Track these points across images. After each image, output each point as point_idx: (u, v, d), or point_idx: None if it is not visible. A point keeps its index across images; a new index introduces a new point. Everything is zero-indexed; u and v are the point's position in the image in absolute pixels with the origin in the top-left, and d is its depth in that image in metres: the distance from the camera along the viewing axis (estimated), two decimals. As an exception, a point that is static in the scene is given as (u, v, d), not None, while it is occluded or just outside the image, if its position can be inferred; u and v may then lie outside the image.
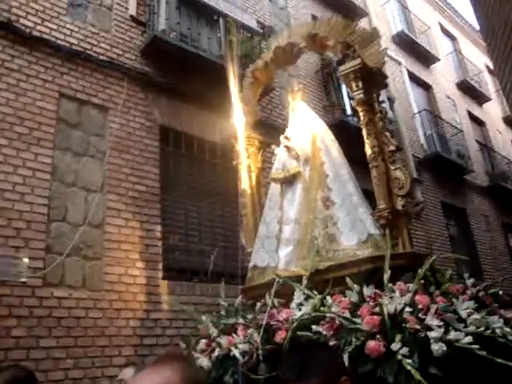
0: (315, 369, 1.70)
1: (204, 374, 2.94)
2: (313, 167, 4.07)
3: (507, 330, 2.78)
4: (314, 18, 10.28)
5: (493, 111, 16.93)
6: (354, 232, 3.61)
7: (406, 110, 11.96)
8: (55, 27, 5.79)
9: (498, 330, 2.74)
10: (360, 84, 3.87)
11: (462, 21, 17.65)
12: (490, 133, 16.11)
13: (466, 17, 18.33)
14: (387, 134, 3.82)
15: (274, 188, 4.21)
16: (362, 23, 11.66)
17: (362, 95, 3.85)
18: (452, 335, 2.55)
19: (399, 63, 12.60)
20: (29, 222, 4.79)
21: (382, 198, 3.59)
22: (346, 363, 2.37)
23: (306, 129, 4.31)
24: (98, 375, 4.67)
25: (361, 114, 3.89)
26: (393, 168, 3.71)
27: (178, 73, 6.42)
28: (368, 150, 3.77)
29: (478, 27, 17.06)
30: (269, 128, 6.86)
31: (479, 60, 17.66)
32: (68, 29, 5.91)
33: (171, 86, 6.47)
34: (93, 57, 5.98)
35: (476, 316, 2.77)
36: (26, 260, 4.63)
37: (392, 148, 3.76)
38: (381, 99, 10.13)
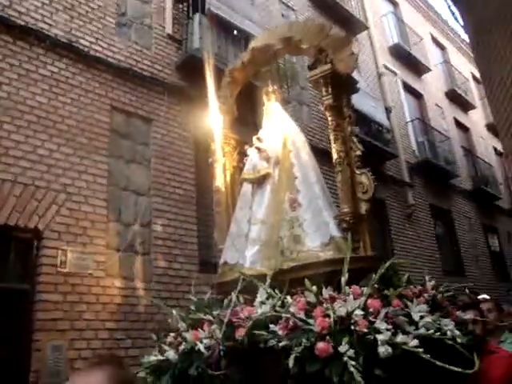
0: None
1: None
2: (282, 169, 4.08)
3: (456, 332, 2.88)
4: (321, 31, 11.07)
5: (477, 118, 18.01)
6: (317, 234, 3.64)
7: (400, 118, 12.88)
8: (106, 46, 6.49)
9: (448, 333, 2.84)
10: (329, 89, 3.84)
11: (451, 31, 18.62)
12: (474, 139, 17.21)
13: (455, 27, 19.37)
14: (354, 138, 3.83)
15: (246, 187, 4.20)
16: (363, 35, 12.55)
17: (330, 100, 3.83)
18: (399, 338, 2.62)
19: (395, 74, 13.50)
20: (92, 221, 5.53)
21: (345, 202, 3.63)
22: (291, 364, 2.55)
23: (278, 130, 4.33)
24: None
25: (329, 118, 3.87)
26: (358, 173, 3.72)
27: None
28: (334, 155, 3.79)
29: (465, 37, 18.11)
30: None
31: (466, 68, 18.69)
32: (116, 47, 6.62)
33: (204, 100, 7.18)
34: (137, 72, 6.72)
35: (427, 319, 2.84)
36: (91, 254, 5.38)
37: (358, 153, 3.77)
38: (379, 110, 10.90)
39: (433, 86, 15.59)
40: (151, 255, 5.97)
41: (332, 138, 3.82)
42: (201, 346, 3.10)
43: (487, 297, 7.22)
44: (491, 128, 18.39)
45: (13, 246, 5.03)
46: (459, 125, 16.54)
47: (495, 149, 18.32)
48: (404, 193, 11.79)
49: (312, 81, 4.00)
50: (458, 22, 6.36)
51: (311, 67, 4.02)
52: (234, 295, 3.29)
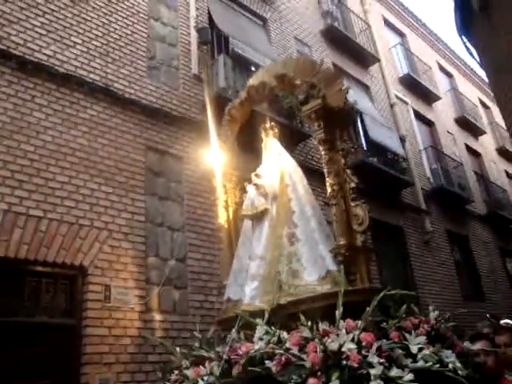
0: None
1: None
2: (280, 204, 4.10)
3: (458, 364, 2.81)
4: (335, 65, 11.46)
5: (487, 143, 18.26)
6: (315, 268, 3.63)
7: (413, 146, 13.14)
8: (139, 88, 6.83)
9: (450, 365, 2.79)
10: (321, 124, 3.86)
11: (457, 58, 19.03)
12: (486, 164, 17.42)
13: (461, 54, 19.85)
14: (348, 171, 3.80)
15: (247, 224, 4.27)
16: (375, 67, 12.92)
17: (322, 135, 3.85)
18: (393, 372, 2.56)
19: (406, 103, 13.83)
20: (132, 257, 5.76)
21: (341, 234, 3.61)
22: None
23: (276, 165, 4.37)
24: (190, 386, 5.59)
25: (322, 152, 3.89)
26: (353, 205, 3.68)
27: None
28: (328, 188, 3.78)
29: (471, 64, 18.54)
30: (304, 169, 7.92)
31: (473, 94, 19.06)
32: (148, 89, 6.96)
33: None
34: (168, 112, 7.04)
35: (426, 351, 2.78)
36: (132, 289, 5.59)
37: (353, 185, 3.74)
38: (394, 139, 11.13)
39: (443, 113, 15.92)
40: (188, 289, 6.16)
41: (325, 171, 3.84)
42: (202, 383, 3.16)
43: (511, 322, 7.22)
44: (502, 152, 18.65)
45: (60, 282, 5.24)
46: (470, 150, 16.80)
47: (507, 172, 18.52)
48: (421, 220, 11.95)
49: (305, 116, 4.05)
50: (474, 58, 6.68)
51: (303, 102, 4.05)
52: (233, 332, 3.32)
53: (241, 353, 3.05)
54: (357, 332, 2.78)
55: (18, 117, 5.43)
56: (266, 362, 2.86)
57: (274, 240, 3.95)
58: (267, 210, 4.09)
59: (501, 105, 6.17)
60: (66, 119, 5.83)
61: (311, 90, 3.96)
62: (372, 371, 2.52)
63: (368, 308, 2.93)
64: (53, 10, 6.26)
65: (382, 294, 3.05)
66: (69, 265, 5.26)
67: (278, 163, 4.40)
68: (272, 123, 4.80)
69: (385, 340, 2.78)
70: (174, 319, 5.86)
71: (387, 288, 3.16)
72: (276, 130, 4.77)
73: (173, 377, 3.56)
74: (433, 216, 12.49)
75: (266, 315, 3.29)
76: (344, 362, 2.60)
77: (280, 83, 4.43)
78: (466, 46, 6.42)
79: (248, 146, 5.16)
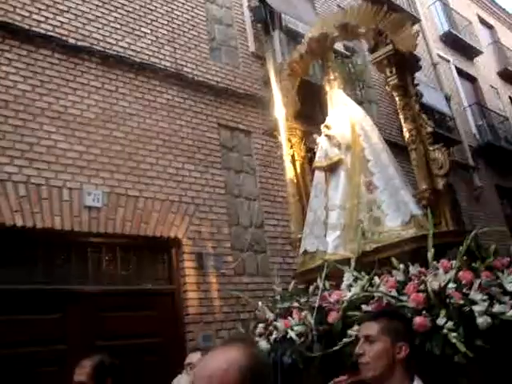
0: (386, 318, 2.13)
1: (266, 358, 2.86)
2: (354, 153, 4.13)
3: None
4: (378, 29, 11.59)
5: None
6: (397, 214, 3.65)
7: (458, 104, 13.24)
8: (205, 70, 7.28)
9: None
10: (394, 69, 3.88)
11: (497, 8, 18.66)
12: (531, 115, 17.29)
13: (500, 2, 19.42)
14: (424, 116, 3.85)
15: (319, 176, 4.28)
16: (415, 28, 12.94)
17: (396, 80, 3.87)
18: (496, 308, 2.58)
19: (448, 61, 13.86)
20: (218, 227, 6.33)
21: (422, 179, 3.64)
22: None
23: (345, 116, 4.36)
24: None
25: (397, 98, 3.91)
26: (431, 149, 3.72)
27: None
28: (406, 134, 3.81)
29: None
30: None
31: (515, 45, 18.74)
32: (213, 70, 7.39)
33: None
34: (233, 90, 7.48)
35: None
36: (221, 256, 6.18)
37: (429, 130, 3.78)
38: (440, 99, 11.34)
39: (485, 68, 15.83)
40: (267, 252, 6.73)
41: (402, 117, 3.90)
42: (292, 334, 3.26)
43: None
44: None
45: (160, 253, 5.88)
46: (515, 103, 16.71)
47: (552, 123, 18.34)
48: (470, 176, 12.19)
49: (375, 63, 4.07)
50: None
51: (372, 50, 4.10)
52: (320, 281, 3.38)
53: (332, 300, 3.19)
54: (453, 271, 2.89)
55: (107, 107, 5.97)
56: (363, 306, 2.98)
57: (352, 189, 4.02)
58: (342, 160, 4.15)
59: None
60: (146, 105, 6.35)
61: (379, 37, 4.01)
62: (476, 308, 2.60)
63: (461, 247, 3.04)
64: (123, 5, 6.70)
65: (473, 233, 3.16)
66: (166, 237, 5.86)
67: (346, 113, 4.43)
68: (336, 74, 4.84)
69: (482, 278, 2.83)
70: (259, 281, 6.45)
71: (477, 228, 3.29)
72: (340, 81, 4.84)
73: (258, 330, 3.74)
74: (481, 172, 12.69)
75: (353, 263, 3.39)
76: (448, 300, 2.72)
77: (342, 33, 4.49)
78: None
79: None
